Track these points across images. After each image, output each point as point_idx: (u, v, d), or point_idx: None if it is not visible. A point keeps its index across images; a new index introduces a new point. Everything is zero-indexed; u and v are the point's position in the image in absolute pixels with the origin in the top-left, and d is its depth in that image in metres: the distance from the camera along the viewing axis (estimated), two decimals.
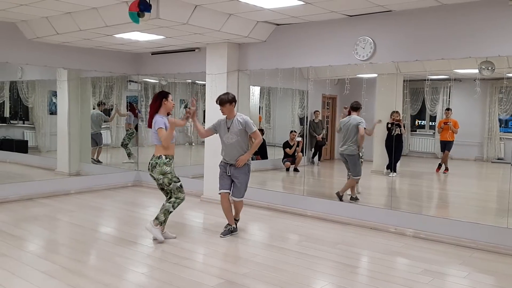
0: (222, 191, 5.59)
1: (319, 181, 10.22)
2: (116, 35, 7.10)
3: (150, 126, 5.26)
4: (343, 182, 7.59)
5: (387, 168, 8.59)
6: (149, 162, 5.25)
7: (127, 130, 10.64)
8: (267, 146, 11.03)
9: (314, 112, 10.58)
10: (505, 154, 9.22)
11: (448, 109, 9.28)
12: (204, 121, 8.28)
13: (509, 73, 6.77)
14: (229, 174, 5.56)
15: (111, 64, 9.05)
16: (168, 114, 5.33)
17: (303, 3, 5.59)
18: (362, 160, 7.55)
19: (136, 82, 10.05)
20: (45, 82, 10.11)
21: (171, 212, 5.28)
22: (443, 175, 9.36)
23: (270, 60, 7.25)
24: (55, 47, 8.05)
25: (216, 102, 5.49)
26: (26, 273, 4.27)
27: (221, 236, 5.58)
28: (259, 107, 11.45)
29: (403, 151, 9.17)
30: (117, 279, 4.22)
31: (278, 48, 7.14)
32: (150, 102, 5.43)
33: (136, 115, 10.45)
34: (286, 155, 10.71)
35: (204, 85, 7.98)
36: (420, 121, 10.57)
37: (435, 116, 10.08)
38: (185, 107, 11.54)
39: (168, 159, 5.16)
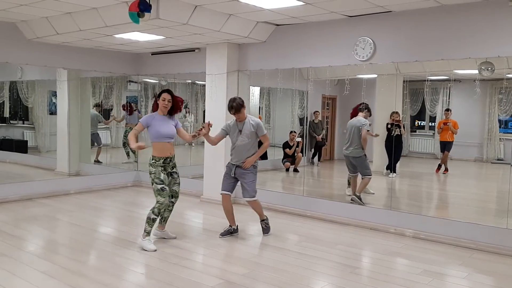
0: (223, 192, 5.60)
1: (319, 182, 10.22)
2: (116, 35, 7.10)
3: None
4: (343, 183, 7.59)
5: (387, 168, 8.59)
6: None
7: (126, 130, 10.64)
8: None
9: (314, 113, 10.57)
10: (505, 154, 9.22)
11: (447, 109, 9.28)
12: (204, 122, 8.26)
13: (508, 73, 6.75)
14: (234, 175, 5.57)
15: (111, 64, 9.05)
16: (174, 112, 5.23)
17: (303, 3, 5.59)
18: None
19: (136, 82, 10.05)
20: (45, 82, 10.11)
21: (154, 219, 5.08)
22: (442, 176, 9.36)
23: (270, 61, 7.25)
24: (55, 47, 8.05)
25: (230, 111, 5.41)
26: (26, 273, 4.27)
27: (220, 237, 5.58)
28: (259, 107, 11.44)
29: (403, 152, 9.16)
30: (117, 279, 4.22)
31: (278, 49, 7.14)
32: (151, 102, 5.39)
33: (131, 113, 10.41)
34: (286, 156, 10.71)
35: (204, 85, 7.99)
36: (419, 122, 10.56)
37: (435, 116, 10.08)
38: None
39: (154, 160, 5.09)
